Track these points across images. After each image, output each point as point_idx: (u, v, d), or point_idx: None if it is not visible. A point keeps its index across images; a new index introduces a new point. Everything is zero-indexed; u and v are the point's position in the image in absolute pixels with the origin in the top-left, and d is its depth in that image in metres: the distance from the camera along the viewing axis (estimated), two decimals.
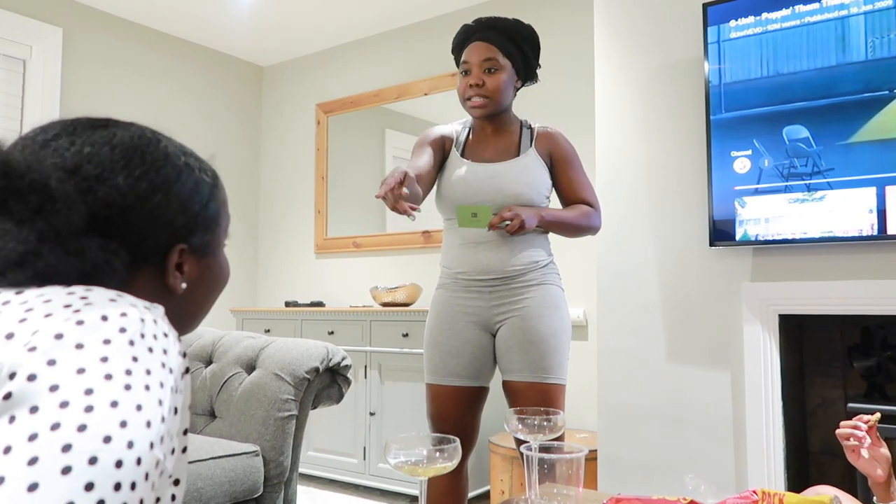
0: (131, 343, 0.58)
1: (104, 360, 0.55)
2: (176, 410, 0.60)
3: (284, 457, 1.98)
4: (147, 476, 0.54)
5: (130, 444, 0.53)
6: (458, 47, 1.87)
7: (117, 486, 0.51)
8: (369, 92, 4.07)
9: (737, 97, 2.27)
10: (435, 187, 1.91)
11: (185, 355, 0.64)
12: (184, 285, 0.76)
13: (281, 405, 1.98)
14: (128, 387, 0.55)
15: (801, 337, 2.43)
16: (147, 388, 0.57)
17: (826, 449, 2.38)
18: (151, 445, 0.55)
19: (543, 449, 1.11)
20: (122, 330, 0.58)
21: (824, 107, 2.13)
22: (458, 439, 1.06)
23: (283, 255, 4.45)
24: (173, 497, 0.65)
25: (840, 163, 2.10)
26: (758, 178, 2.22)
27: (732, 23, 2.29)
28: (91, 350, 0.56)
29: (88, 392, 0.53)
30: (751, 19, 2.26)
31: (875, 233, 2.03)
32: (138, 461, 0.53)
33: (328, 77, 4.31)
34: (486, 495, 3.08)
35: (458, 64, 1.88)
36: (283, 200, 4.49)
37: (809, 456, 2.41)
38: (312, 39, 4.21)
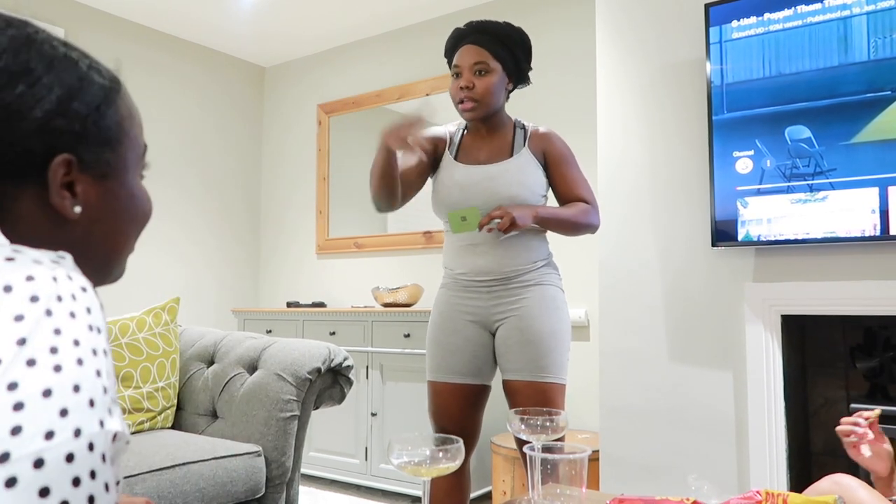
0: (48, 313, 0.48)
1: (21, 342, 0.46)
2: (108, 374, 0.52)
3: (286, 457, 1.98)
4: (104, 457, 0.48)
5: (78, 433, 0.46)
6: (450, 51, 1.88)
7: (76, 482, 0.45)
8: (371, 92, 4.07)
9: (739, 97, 2.27)
10: (431, 191, 1.91)
11: (102, 306, 0.55)
12: (77, 209, 0.62)
13: (283, 405, 1.98)
14: (58, 368, 0.47)
15: (804, 337, 2.43)
16: (80, 362, 0.48)
17: (828, 449, 2.37)
18: (102, 423, 0.48)
19: (546, 449, 1.11)
20: (34, 299, 0.48)
21: (826, 107, 2.13)
22: (461, 439, 1.06)
23: (284, 256, 4.45)
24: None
25: (842, 163, 2.09)
26: (760, 179, 2.22)
27: (735, 23, 2.29)
28: (1, 333, 0.46)
29: (12, 387, 0.45)
30: (753, 19, 2.26)
31: (878, 233, 2.03)
32: (90, 447, 0.47)
33: (329, 77, 4.31)
34: (488, 496, 3.08)
35: (451, 68, 1.88)
36: (284, 201, 4.49)
37: (812, 456, 2.41)
38: (314, 40, 4.22)
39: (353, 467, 3.31)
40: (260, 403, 2.00)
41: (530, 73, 1.94)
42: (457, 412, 1.83)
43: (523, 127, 1.91)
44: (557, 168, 1.88)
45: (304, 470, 3.47)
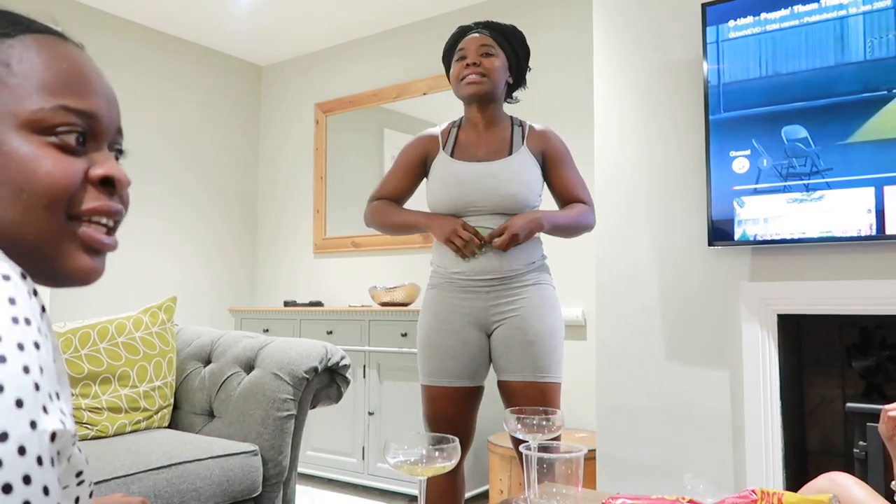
0: None
1: None
2: (41, 369, 0.47)
3: (283, 456, 1.98)
4: (40, 460, 0.44)
5: (3, 437, 0.42)
6: (452, 45, 1.92)
7: (6, 489, 0.42)
8: (368, 91, 4.06)
9: (735, 97, 2.27)
10: (426, 189, 1.91)
11: (35, 293, 0.50)
12: None
13: (280, 405, 1.98)
14: None
15: (800, 337, 2.43)
16: (2, 359, 0.44)
17: (824, 448, 2.38)
18: (34, 424, 0.44)
19: (542, 448, 1.11)
20: None
21: (823, 107, 2.13)
22: (457, 439, 1.06)
23: (281, 255, 4.45)
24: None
25: (839, 163, 2.10)
26: (756, 178, 2.22)
27: (731, 23, 2.29)
28: None
29: None
30: (750, 19, 2.26)
31: (873, 233, 2.04)
32: (21, 451, 0.43)
33: (327, 76, 4.31)
34: (485, 495, 3.08)
35: (448, 66, 1.93)
36: (281, 200, 4.49)
37: (808, 455, 2.42)
38: (311, 39, 4.21)
39: (350, 466, 3.31)
40: (257, 402, 2.00)
41: (527, 77, 1.99)
42: (453, 415, 1.82)
43: (521, 124, 1.91)
44: (556, 169, 1.89)
45: (300, 469, 3.47)
